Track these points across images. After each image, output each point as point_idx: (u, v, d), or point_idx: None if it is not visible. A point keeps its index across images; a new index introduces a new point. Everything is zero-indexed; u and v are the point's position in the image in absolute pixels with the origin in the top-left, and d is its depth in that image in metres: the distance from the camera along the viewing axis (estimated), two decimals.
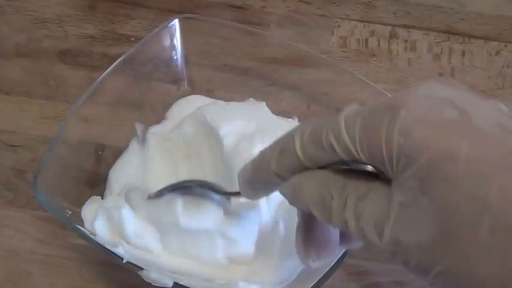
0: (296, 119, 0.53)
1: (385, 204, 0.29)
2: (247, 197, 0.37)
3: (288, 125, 0.52)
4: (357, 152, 0.30)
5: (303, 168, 0.32)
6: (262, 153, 0.34)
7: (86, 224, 0.46)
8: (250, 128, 0.50)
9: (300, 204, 0.33)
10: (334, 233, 0.35)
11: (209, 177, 0.49)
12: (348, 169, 0.31)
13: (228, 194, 0.45)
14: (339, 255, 0.43)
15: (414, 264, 0.29)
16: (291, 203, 0.34)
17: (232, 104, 0.53)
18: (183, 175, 0.51)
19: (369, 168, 0.31)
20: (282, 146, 0.33)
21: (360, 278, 0.50)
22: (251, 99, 0.53)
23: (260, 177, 0.35)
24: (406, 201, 0.28)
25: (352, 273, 0.50)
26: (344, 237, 0.36)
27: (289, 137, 0.32)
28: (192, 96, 0.55)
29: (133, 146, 0.52)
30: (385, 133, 0.28)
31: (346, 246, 0.37)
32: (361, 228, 0.30)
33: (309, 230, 0.36)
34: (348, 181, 0.31)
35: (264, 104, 0.53)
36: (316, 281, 0.42)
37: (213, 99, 0.54)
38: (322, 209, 0.32)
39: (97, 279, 0.49)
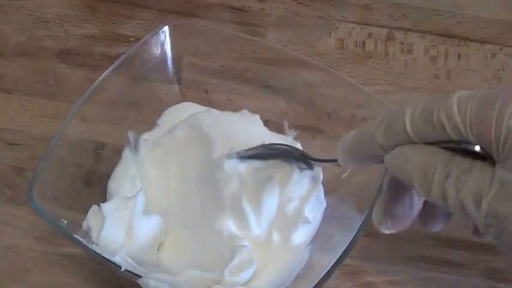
0: (291, 137, 0.53)
1: (487, 179, 0.32)
2: (344, 165, 0.40)
3: (280, 139, 0.52)
4: (466, 131, 0.32)
5: (409, 143, 0.35)
6: (366, 126, 0.37)
7: (93, 234, 0.46)
8: (242, 140, 0.51)
9: (402, 173, 0.35)
10: (413, 211, 0.38)
11: (195, 186, 0.50)
12: (453, 148, 0.33)
13: (324, 161, 0.47)
14: (337, 257, 0.43)
15: (508, 235, 0.31)
16: (392, 172, 0.36)
17: (227, 114, 0.53)
18: (173, 181, 0.51)
19: (476, 148, 0.33)
20: (390, 121, 0.35)
21: (355, 277, 0.50)
22: (245, 110, 0.54)
23: (362, 148, 0.37)
24: (509, 180, 0.31)
25: (348, 273, 0.50)
26: (424, 217, 0.39)
27: (397, 113, 0.35)
28: (184, 103, 0.55)
29: (127, 155, 0.52)
30: (495, 115, 0.31)
31: (424, 226, 0.39)
32: (459, 200, 0.32)
33: (390, 202, 0.39)
34: (453, 157, 0.33)
35: (257, 116, 0.53)
36: (313, 284, 0.42)
37: (206, 108, 0.55)
38: (423, 179, 0.34)
39: (95, 276, 0.50)
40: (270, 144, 0.49)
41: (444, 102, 0.33)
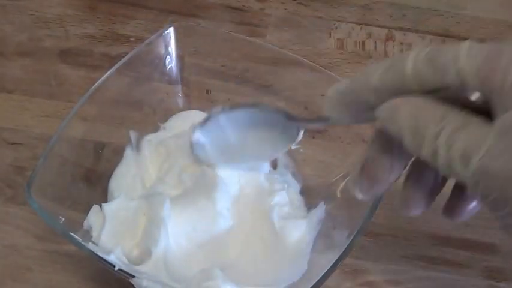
0: (289, 175, 0.53)
1: (482, 134, 0.30)
2: (330, 113, 0.36)
3: (279, 178, 0.52)
4: (471, 76, 0.30)
5: (404, 92, 0.32)
6: (366, 69, 0.34)
7: (93, 233, 0.46)
8: (246, 190, 0.50)
9: (393, 127, 0.33)
10: (391, 176, 0.36)
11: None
12: (449, 99, 0.31)
13: (310, 121, 0.42)
14: (337, 257, 0.43)
15: (495, 195, 0.29)
16: (383, 124, 0.33)
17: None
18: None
19: (474, 97, 0.31)
20: (393, 61, 0.33)
21: (355, 276, 0.50)
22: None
23: (355, 93, 0.34)
24: (508, 128, 0.29)
25: (347, 272, 0.50)
26: (449, 206, 0.36)
27: (403, 55, 0.32)
28: (194, 111, 0.55)
29: (128, 154, 0.52)
30: (505, 62, 0.29)
31: (448, 216, 0.36)
32: (450, 156, 0.30)
33: (370, 162, 0.36)
34: (447, 111, 0.31)
35: (266, 164, 0.52)
36: (313, 283, 0.42)
37: None
38: (415, 134, 0.31)
39: (95, 275, 0.50)
40: (253, 103, 0.46)
41: (453, 46, 0.31)
